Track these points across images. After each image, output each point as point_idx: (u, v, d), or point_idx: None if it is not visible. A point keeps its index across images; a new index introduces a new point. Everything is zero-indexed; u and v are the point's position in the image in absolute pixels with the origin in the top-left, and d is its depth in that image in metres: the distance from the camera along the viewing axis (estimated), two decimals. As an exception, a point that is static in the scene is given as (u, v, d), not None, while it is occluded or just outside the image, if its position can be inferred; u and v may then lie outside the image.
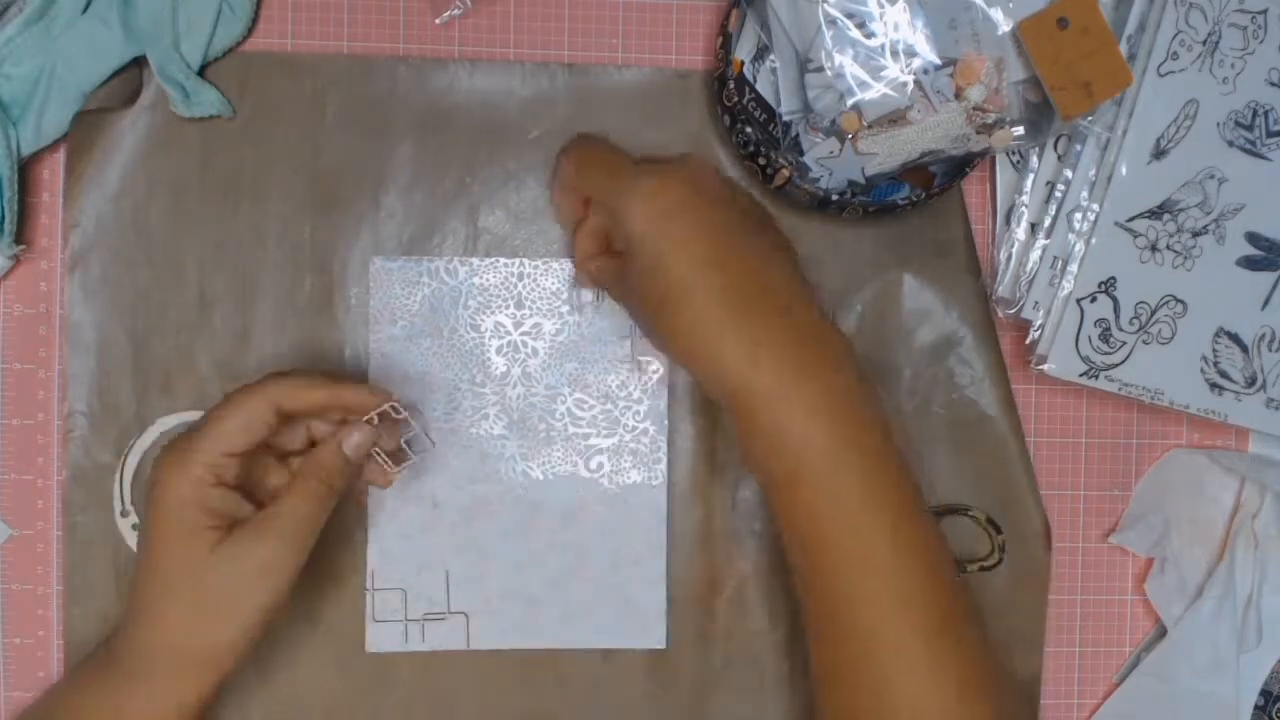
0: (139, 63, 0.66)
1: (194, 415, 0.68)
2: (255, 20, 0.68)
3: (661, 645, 0.71)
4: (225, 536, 0.57)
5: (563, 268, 0.70)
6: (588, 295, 0.70)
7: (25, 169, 0.66)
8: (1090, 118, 0.66)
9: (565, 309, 0.70)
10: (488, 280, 0.70)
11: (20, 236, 0.67)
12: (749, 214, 0.60)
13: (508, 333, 0.70)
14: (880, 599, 0.55)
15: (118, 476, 0.68)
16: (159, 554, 0.58)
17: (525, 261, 0.70)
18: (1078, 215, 0.68)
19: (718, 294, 0.56)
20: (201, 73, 0.67)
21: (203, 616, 0.57)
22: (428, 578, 0.70)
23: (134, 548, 0.68)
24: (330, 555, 0.69)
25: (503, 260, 0.70)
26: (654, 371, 0.70)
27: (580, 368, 0.70)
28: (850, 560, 0.55)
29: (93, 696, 0.59)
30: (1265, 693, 0.73)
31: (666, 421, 0.70)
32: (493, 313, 0.70)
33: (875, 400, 0.57)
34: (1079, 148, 0.68)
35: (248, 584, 0.57)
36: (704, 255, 0.56)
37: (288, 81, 0.69)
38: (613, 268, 0.61)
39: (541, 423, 0.70)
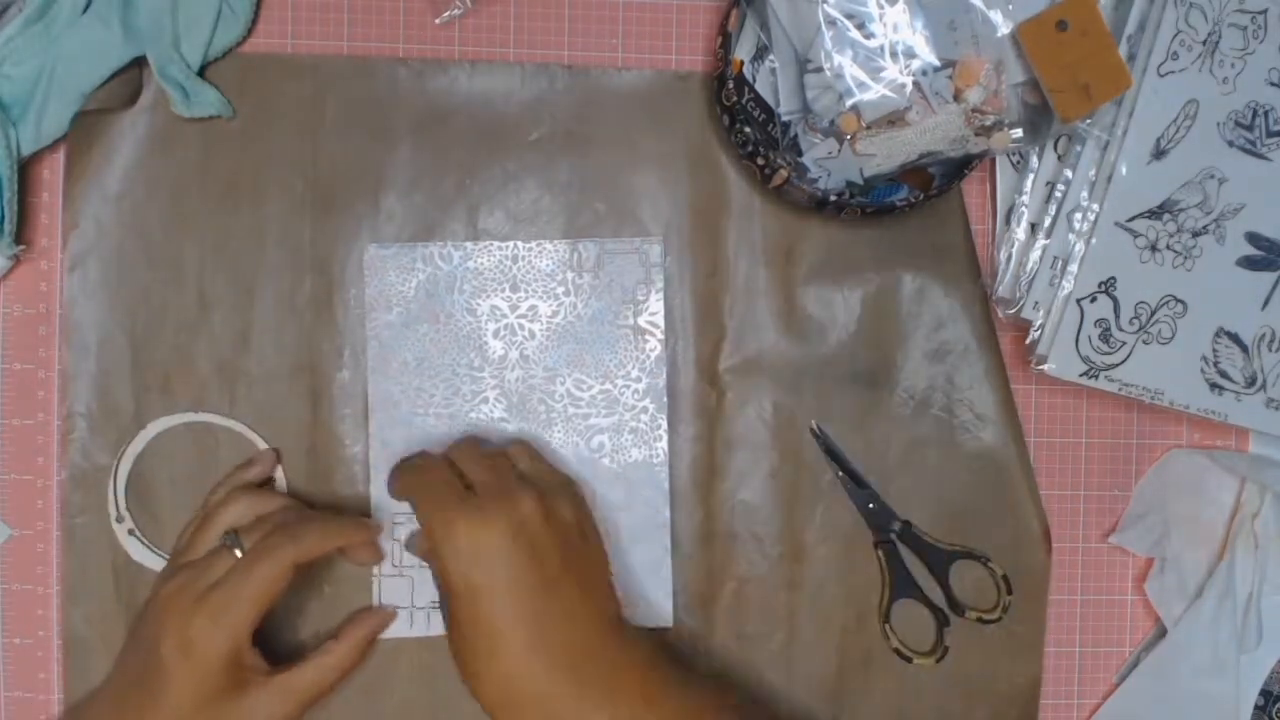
0: (139, 63, 0.66)
1: (190, 417, 0.68)
2: (255, 20, 0.68)
3: (668, 624, 0.71)
4: (245, 690, 0.60)
5: (557, 249, 0.70)
6: (588, 266, 0.70)
7: (25, 169, 0.66)
8: (1089, 120, 0.66)
9: (561, 290, 0.70)
10: (482, 264, 0.70)
11: (20, 236, 0.67)
12: (569, 547, 0.62)
13: (504, 316, 0.70)
14: None
15: (111, 482, 0.68)
16: (178, 708, 0.59)
17: (519, 244, 0.70)
18: (1078, 215, 0.68)
19: (529, 649, 0.58)
20: (201, 73, 0.67)
21: None
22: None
23: (130, 553, 0.68)
24: (325, 574, 0.69)
25: (496, 244, 0.70)
26: (651, 350, 0.71)
27: (578, 348, 0.70)
28: None
29: None
30: (1265, 693, 0.73)
31: (666, 399, 0.71)
32: (488, 296, 0.70)
33: (684, 692, 0.61)
34: (1079, 148, 0.68)
35: None
36: (515, 610, 0.58)
37: (287, 82, 0.69)
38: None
39: (541, 404, 0.70)
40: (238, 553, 0.61)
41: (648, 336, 0.71)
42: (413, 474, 0.63)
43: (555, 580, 0.59)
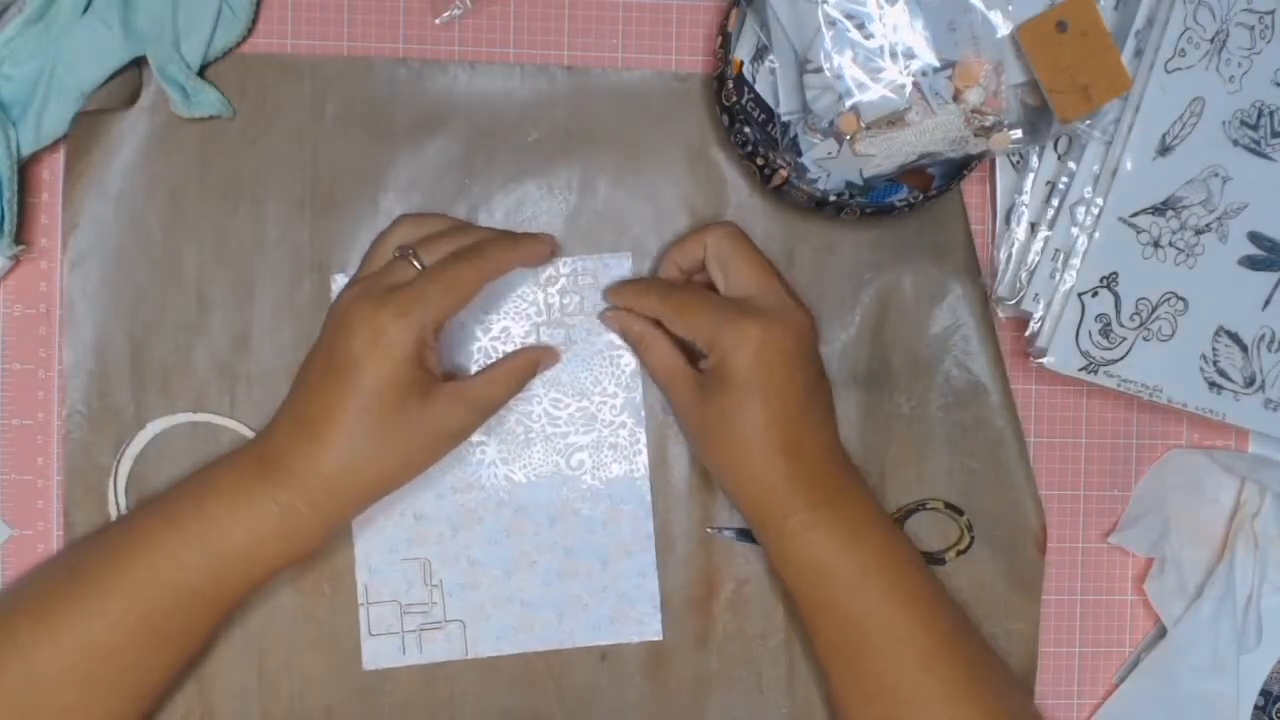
0: (139, 63, 0.66)
1: (189, 417, 0.68)
2: (255, 21, 0.68)
3: (658, 637, 0.71)
4: (430, 394, 0.62)
5: (528, 272, 0.70)
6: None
7: (25, 169, 0.66)
8: (1089, 121, 0.65)
9: (533, 310, 0.70)
10: None
11: (20, 236, 0.67)
12: (820, 369, 0.67)
13: (477, 339, 0.70)
14: (909, 664, 0.64)
15: (111, 482, 0.68)
16: (370, 396, 0.60)
17: None
18: (1081, 209, 0.68)
19: (784, 451, 0.63)
20: (201, 73, 0.67)
21: (383, 459, 0.61)
22: (420, 590, 0.70)
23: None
24: (324, 570, 0.70)
25: None
26: (626, 365, 0.71)
27: (553, 368, 0.71)
28: (884, 645, 0.64)
29: (243, 507, 0.61)
30: (1265, 693, 0.73)
31: (643, 413, 0.71)
32: (460, 321, 0.70)
33: (888, 522, 0.67)
34: (1084, 142, 0.68)
35: (432, 443, 0.63)
36: (783, 401, 0.63)
37: (287, 82, 0.69)
38: (692, 377, 0.66)
39: (519, 425, 0.70)
40: (415, 263, 0.63)
41: (622, 352, 0.71)
42: (679, 304, 0.66)
43: (813, 382, 0.65)
